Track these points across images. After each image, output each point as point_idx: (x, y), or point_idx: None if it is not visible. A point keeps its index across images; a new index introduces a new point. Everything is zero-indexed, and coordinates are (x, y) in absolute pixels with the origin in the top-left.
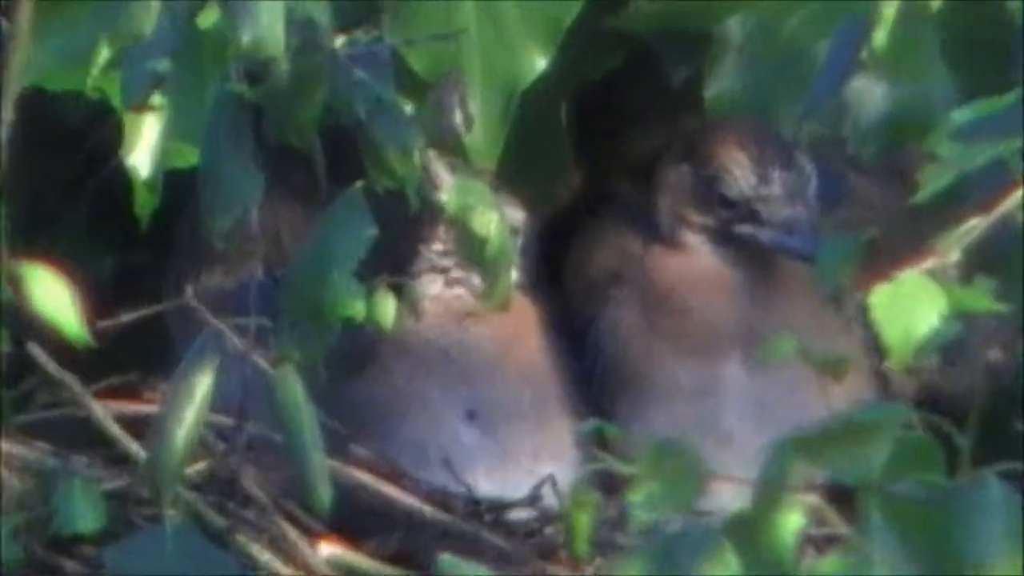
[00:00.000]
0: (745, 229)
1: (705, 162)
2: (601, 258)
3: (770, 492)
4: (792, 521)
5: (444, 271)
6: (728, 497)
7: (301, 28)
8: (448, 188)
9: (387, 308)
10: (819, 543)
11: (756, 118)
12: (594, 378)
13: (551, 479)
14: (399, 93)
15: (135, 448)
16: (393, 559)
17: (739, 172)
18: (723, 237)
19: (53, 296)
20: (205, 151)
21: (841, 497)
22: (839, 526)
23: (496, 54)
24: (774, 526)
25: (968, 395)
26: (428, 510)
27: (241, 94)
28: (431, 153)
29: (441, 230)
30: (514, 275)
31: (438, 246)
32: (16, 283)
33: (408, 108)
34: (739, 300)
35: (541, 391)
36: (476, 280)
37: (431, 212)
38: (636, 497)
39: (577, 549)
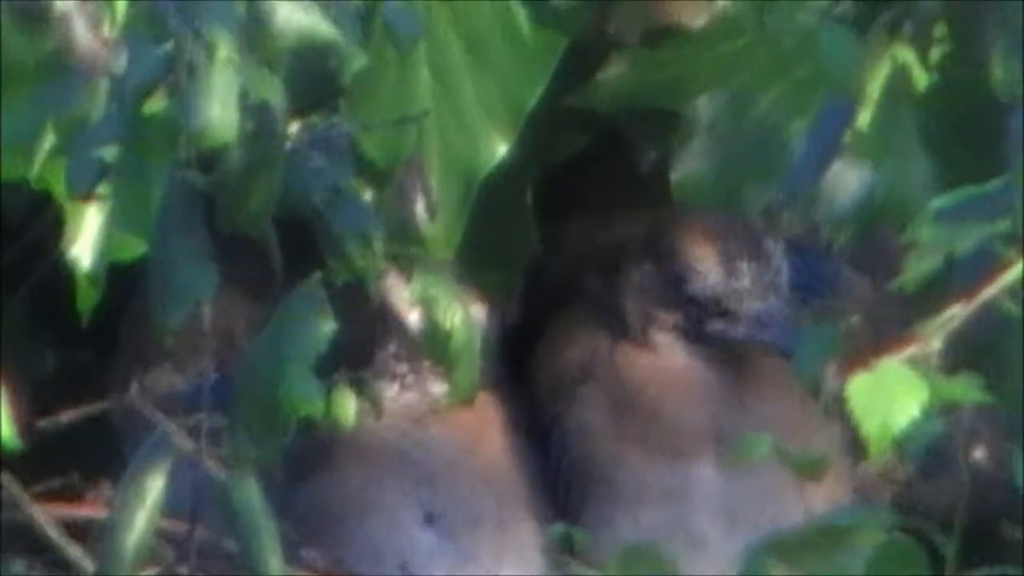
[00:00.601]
0: (716, 325)
1: (670, 259)
2: (568, 355)
3: None
4: None
5: (399, 376)
6: None
7: (255, 112)
8: (400, 294)
9: (347, 405)
10: None
11: (720, 207)
12: (559, 479)
13: None
14: (357, 180)
15: (77, 554)
16: None
17: (705, 268)
18: (694, 335)
19: None
20: (155, 242)
21: None
22: None
23: (455, 140)
24: None
25: (946, 505)
26: None
27: (192, 182)
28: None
29: (395, 332)
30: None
31: (392, 349)
32: None
33: (367, 196)
34: (711, 400)
35: (503, 493)
36: (432, 385)
37: (384, 314)
38: None
39: None
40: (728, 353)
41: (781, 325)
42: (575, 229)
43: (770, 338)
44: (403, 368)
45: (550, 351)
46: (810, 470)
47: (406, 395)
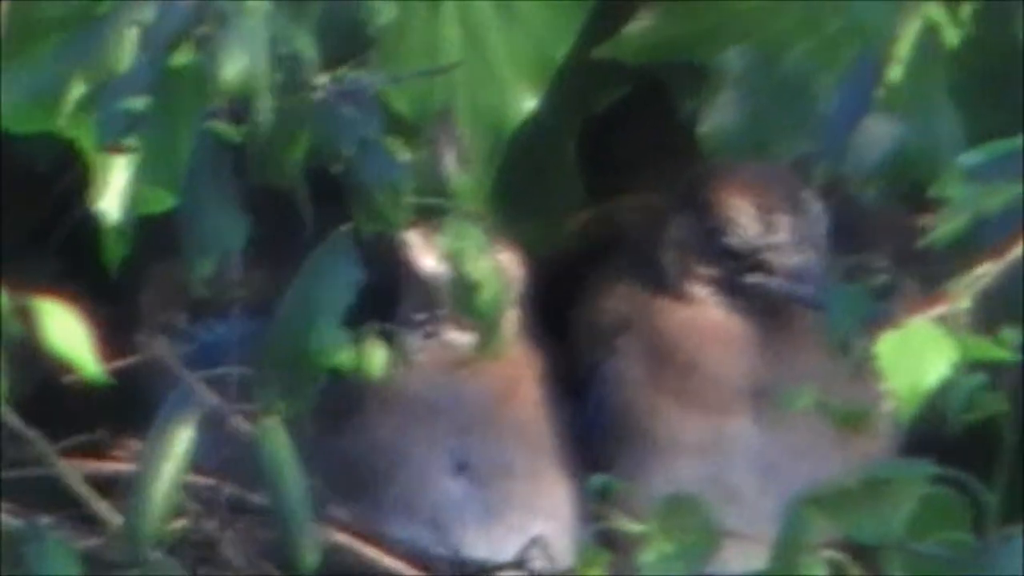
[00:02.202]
0: (753, 279)
1: (707, 212)
2: (607, 307)
3: (790, 551)
4: None
5: (421, 327)
6: (736, 560)
7: (285, 64)
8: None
9: (376, 357)
10: None
11: (760, 159)
12: (594, 431)
13: (541, 540)
14: (387, 133)
15: (104, 509)
16: None
17: (743, 221)
18: (731, 288)
19: (67, 332)
20: (185, 193)
21: (863, 555)
22: None
23: (484, 93)
24: None
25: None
26: (411, 573)
27: (223, 134)
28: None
29: (414, 284)
30: (510, 324)
31: (413, 300)
32: (25, 318)
33: (397, 148)
34: (749, 354)
35: (535, 445)
36: (455, 337)
37: (404, 265)
38: (647, 556)
39: None
40: (766, 307)
41: (817, 280)
42: (618, 181)
43: (806, 293)
44: (424, 319)
45: (589, 302)
46: (853, 423)
47: (430, 347)
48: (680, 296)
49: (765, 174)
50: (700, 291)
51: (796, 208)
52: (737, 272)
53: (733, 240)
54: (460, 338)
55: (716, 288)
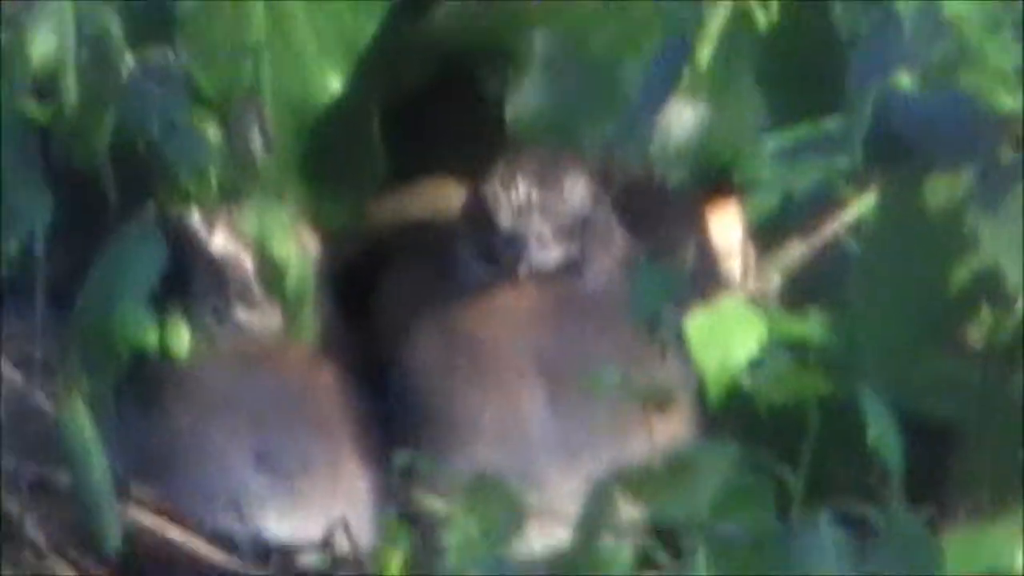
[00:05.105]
0: (510, 251)
1: (480, 193)
2: (403, 293)
3: (592, 529)
4: (619, 559)
5: (217, 313)
6: (541, 541)
7: (91, 43)
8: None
9: (180, 336)
10: None
11: (555, 144)
12: (395, 420)
13: (343, 522)
14: (194, 114)
15: None
16: None
17: (503, 199)
18: (505, 266)
19: None
20: None
21: (668, 537)
22: (666, 563)
23: (289, 75)
24: (598, 565)
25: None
26: (214, 554)
27: (28, 112)
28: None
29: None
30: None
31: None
32: None
33: (203, 129)
34: (540, 335)
35: (336, 435)
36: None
37: (198, 251)
38: (451, 536)
39: None
40: (559, 288)
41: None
42: (426, 165)
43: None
44: (215, 302)
45: (386, 290)
46: (657, 401)
47: (224, 331)
48: (466, 280)
49: (534, 155)
50: (483, 274)
51: (553, 185)
52: (499, 248)
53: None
54: (252, 320)
55: (495, 269)
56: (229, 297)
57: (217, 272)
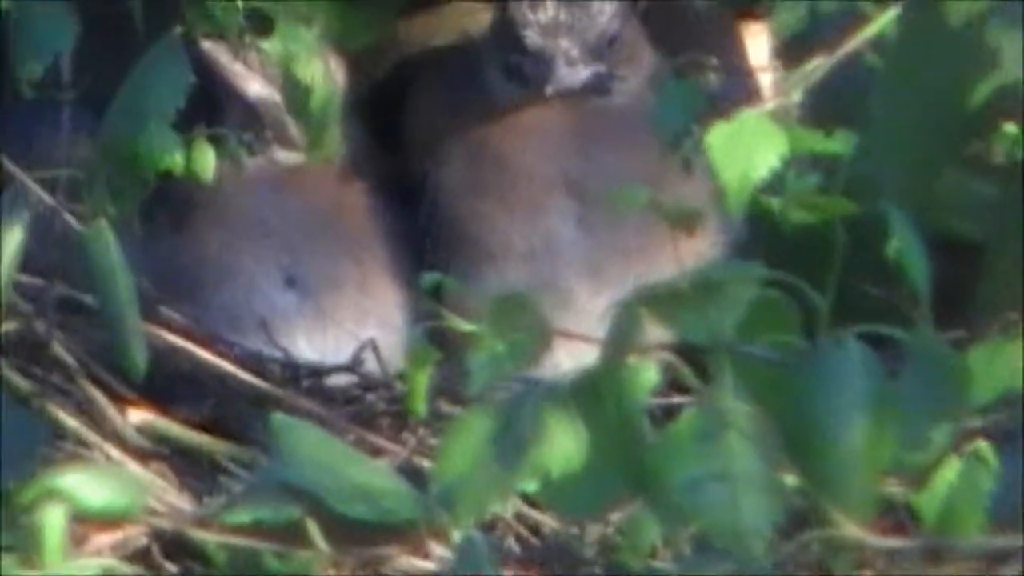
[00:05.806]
0: (535, 69)
1: (507, 13)
2: (430, 116)
3: (618, 350)
4: (645, 379)
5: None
6: (568, 361)
7: None
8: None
9: (206, 160)
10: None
11: None
12: (427, 238)
13: (372, 343)
14: None
15: None
16: (205, 426)
17: (530, 18)
18: (529, 85)
19: None
20: None
21: (693, 358)
22: (693, 384)
23: None
24: (624, 385)
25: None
26: (242, 375)
27: None
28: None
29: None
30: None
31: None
32: None
33: None
34: (567, 153)
35: (365, 256)
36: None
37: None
38: (478, 356)
39: (413, 408)
40: (588, 107)
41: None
42: None
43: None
44: (249, 138)
45: (414, 111)
46: (686, 221)
47: (257, 163)
48: (494, 100)
49: None
50: (513, 93)
51: (574, 3)
52: (526, 66)
53: (523, 36)
54: (286, 157)
55: (523, 89)
56: (266, 139)
57: (253, 114)
